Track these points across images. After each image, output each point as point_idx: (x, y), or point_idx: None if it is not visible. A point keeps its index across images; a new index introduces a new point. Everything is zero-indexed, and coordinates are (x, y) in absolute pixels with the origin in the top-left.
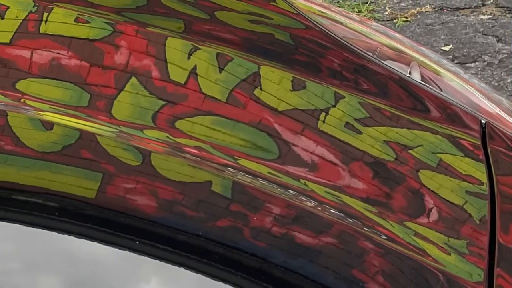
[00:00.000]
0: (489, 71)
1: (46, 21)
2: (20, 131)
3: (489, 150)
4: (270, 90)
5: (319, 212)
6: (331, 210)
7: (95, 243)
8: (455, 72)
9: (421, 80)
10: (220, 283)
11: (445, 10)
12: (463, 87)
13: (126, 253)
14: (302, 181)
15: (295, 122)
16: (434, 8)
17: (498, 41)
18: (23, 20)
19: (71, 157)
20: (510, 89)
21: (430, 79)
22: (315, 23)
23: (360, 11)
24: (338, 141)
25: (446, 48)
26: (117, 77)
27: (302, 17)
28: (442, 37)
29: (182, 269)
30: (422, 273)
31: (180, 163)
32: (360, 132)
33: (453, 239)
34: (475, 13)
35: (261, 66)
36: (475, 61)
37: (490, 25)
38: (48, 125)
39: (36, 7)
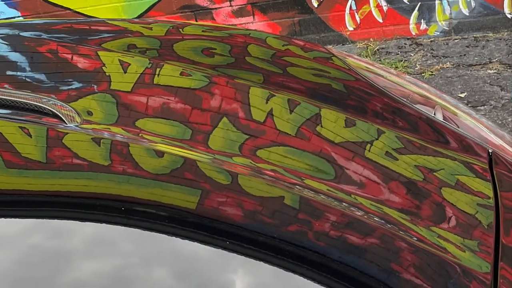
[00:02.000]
0: (494, 112)
1: (158, 74)
2: (138, 158)
3: (494, 172)
4: (328, 127)
5: (366, 220)
6: (375, 218)
7: (195, 243)
8: (468, 113)
9: (443, 119)
10: (290, 273)
11: (461, 66)
12: (475, 125)
13: (219, 250)
14: (352, 196)
15: (347, 151)
16: (453, 65)
17: (501, 90)
18: (140, 74)
19: (177, 178)
20: (511, 126)
21: (450, 118)
22: (362, 76)
23: (396, 67)
24: (380, 165)
25: (462, 95)
26: (212, 117)
27: (353, 72)
28: (459, 86)
29: (261, 263)
30: (444, 266)
31: (260, 182)
32: (396, 159)
33: (467, 240)
34: (484, 69)
35: (321, 109)
36: (484, 105)
37: (495, 78)
38: (160, 154)
39: (150, 64)
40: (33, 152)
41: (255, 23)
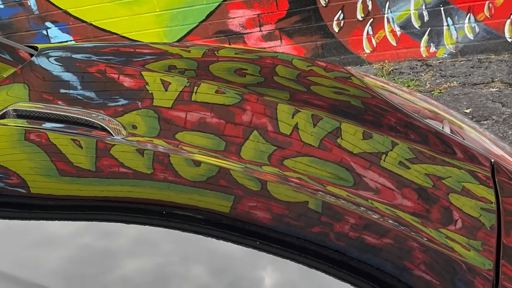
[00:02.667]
0: (496, 126)
1: (195, 92)
2: (178, 167)
3: (496, 180)
4: (347, 139)
5: (381, 222)
6: (389, 221)
7: (229, 243)
8: (473, 127)
9: (450, 132)
10: (314, 270)
11: (466, 85)
12: (478, 137)
13: (250, 250)
14: (369, 201)
15: (365, 161)
16: (459, 84)
17: (502, 106)
18: (180, 91)
19: (213, 184)
20: (511, 139)
21: (456, 131)
22: (378, 93)
23: (409, 85)
24: (394, 174)
25: (467, 111)
26: (244, 130)
27: (370, 90)
28: (465, 103)
29: (288, 260)
30: (451, 263)
31: (286, 189)
32: (408, 168)
33: (472, 240)
34: (487, 87)
35: (341, 123)
36: (487, 119)
37: (497, 95)
38: (197, 163)
39: (189, 83)
40: (83, 162)
41: (282, 46)
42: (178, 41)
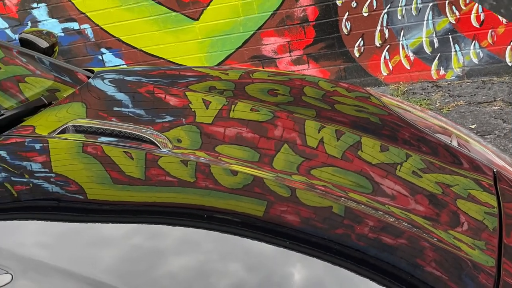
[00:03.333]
0: (498, 140)
1: (233, 110)
2: (217, 176)
3: (498, 187)
4: (367, 151)
5: (396, 224)
6: (403, 223)
7: (262, 243)
8: (478, 141)
9: (458, 145)
10: (337, 267)
11: (472, 104)
12: (482, 150)
13: (281, 249)
14: (386, 205)
15: (382, 170)
16: (466, 103)
17: (504, 122)
18: (219, 109)
19: (248, 191)
20: (511, 151)
21: (463, 145)
22: (394, 111)
23: (421, 104)
24: (408, 182)
25: (473, 126)
26: (276, 144)
27: (386, 108)
28: (470, 119)
29: (314, 258)
30: (458, 261)
31: (313, 195)
32: (421, 177)
33: (477, 241)
34: (490, 105)
35: (361, 137)
36: (490, 134)
37: (499, 113)
38: (235, 173)
39: (227, 102)
40: (134, 171)
41: (310, 70)
42: (217, 65)
